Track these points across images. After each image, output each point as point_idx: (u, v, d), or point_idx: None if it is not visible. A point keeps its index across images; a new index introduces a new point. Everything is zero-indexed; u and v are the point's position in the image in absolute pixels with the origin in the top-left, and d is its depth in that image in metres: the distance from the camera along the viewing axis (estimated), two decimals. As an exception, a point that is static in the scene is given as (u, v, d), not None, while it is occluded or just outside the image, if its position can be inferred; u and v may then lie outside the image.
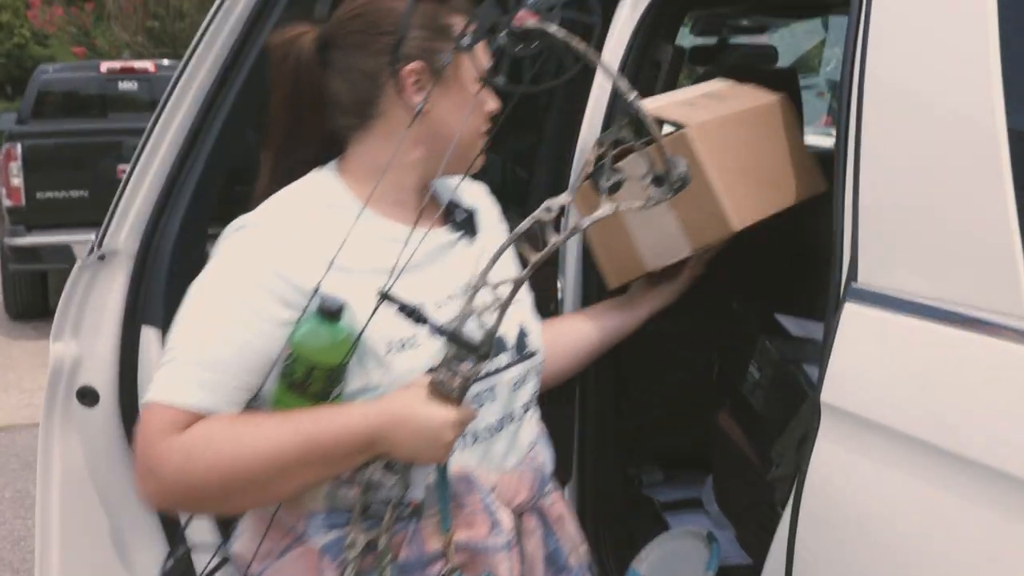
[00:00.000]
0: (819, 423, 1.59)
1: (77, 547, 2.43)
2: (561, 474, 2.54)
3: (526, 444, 1.65)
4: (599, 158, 1.42)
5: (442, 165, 1.54)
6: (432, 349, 1.45)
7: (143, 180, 2.15)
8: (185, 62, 2.22)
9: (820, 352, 1.62)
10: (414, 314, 1.35)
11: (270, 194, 1.55)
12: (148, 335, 2.34)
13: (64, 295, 2.24)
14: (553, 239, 1.35)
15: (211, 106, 2.32)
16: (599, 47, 1.37)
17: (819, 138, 4.75)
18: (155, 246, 2.33)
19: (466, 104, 1.54)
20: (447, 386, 1.37)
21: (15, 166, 7.74)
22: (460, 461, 1.51)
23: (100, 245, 2.20)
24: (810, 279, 2.08)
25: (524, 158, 3.38)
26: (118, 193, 2.17)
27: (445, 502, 1.47)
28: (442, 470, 1.45)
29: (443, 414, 1.37)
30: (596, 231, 2.00)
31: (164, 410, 1.39)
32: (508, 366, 1.60)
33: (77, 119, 8.45)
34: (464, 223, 1.65)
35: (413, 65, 1.52)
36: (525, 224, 1.34)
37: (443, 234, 1.60)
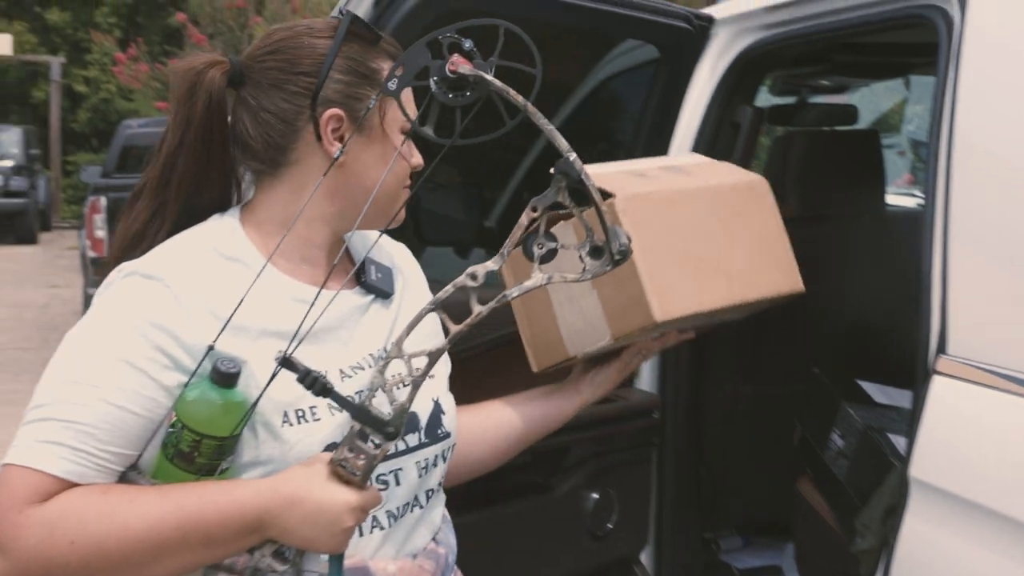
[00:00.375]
0: (908, 498, 1.55)
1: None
2: (637, 539, 2.52)
3: (429, 533, 1.48)
4: (532, 223, 1.23)
5: (358, 221, 1.38)
6: (333, 424, 1.31)
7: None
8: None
9: (907, 423, 1.58)
10: (316, 383, 1.19)
11: (162, 240, 1.37)
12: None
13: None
14: (477, 308, 1.19)
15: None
16: (537, 102, 1.21)
17: (901, 198, 4.71)
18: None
19: (389, 157, 1.39)
20: (350, 466, 1.22)
21: (99, 218, 7.97)
22: (356, 551, 1.34)
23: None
24: (892, 347, 2.03)
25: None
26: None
27: None
28: (337, 560, 1.27)
29: (343, 497, 1.21)
30: (523, 305, 1.82)
31: (25, 475, 1.20)
32: (418, 447, 1.44)
33: (160, 173, 8.70)
34: (379, 284, 1.47)
35: (332, 111, 1.36)
36: (447, 290, 1.19)
37: (354, 296, 1.43)
